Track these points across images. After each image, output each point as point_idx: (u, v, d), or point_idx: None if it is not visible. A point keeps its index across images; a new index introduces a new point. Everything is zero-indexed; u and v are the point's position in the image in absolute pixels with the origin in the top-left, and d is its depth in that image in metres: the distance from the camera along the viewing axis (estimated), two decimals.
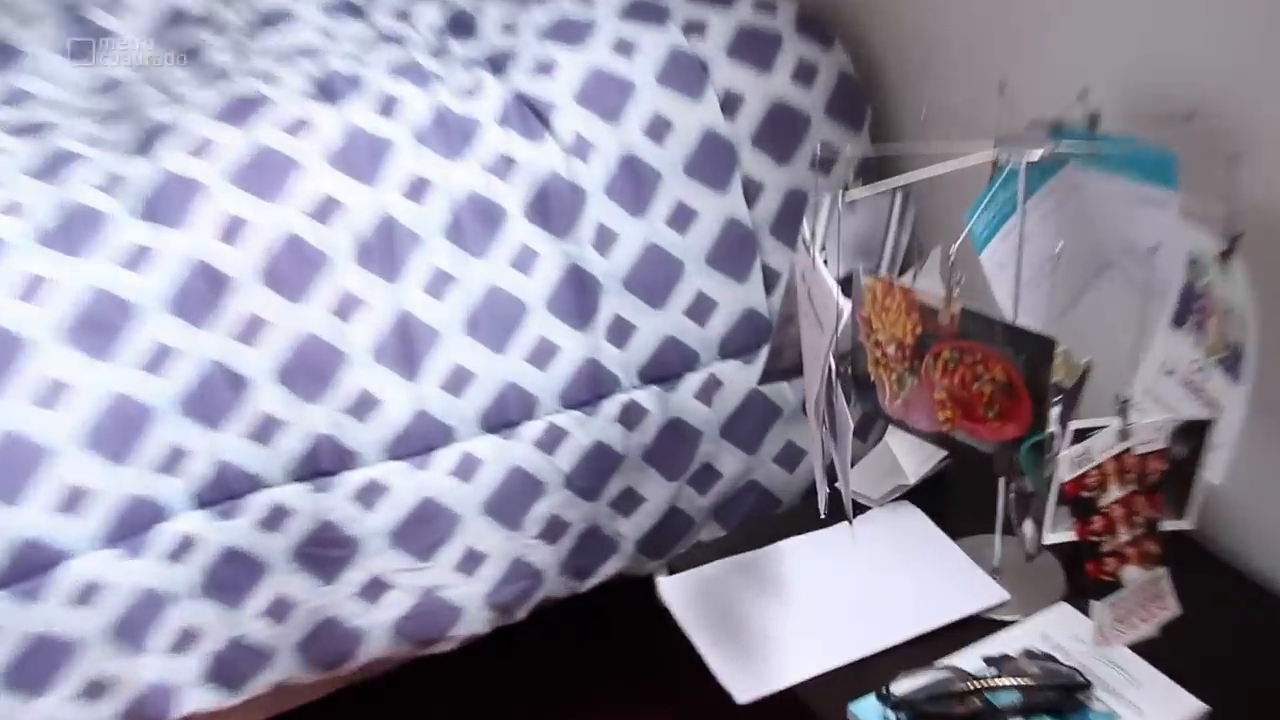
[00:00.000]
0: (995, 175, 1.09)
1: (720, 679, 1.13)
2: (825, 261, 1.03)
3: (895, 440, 1.31)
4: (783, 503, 1.45)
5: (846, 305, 0.97)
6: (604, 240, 1.34)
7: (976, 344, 1.01)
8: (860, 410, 1.07)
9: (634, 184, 1.35)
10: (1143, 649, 1.08)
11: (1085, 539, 1.03)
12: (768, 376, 1.23)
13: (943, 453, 1.31)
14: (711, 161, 1.37)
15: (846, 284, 1.05)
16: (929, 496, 1.32)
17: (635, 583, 1.41)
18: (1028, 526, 1.12)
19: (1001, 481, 1.19)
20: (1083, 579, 1.08)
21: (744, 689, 1.12)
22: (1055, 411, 1.02)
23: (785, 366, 1.21)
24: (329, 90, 1.31)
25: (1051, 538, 1.05)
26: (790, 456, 1.46)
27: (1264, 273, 1.04)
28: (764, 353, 1.38)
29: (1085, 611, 1.10)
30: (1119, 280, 1.20)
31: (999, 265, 1.13)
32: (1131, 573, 1.05)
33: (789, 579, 1.24)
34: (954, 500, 1.33)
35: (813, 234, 1.05)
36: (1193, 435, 1.07)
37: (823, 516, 1.11)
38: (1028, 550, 1.13)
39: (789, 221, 1.41)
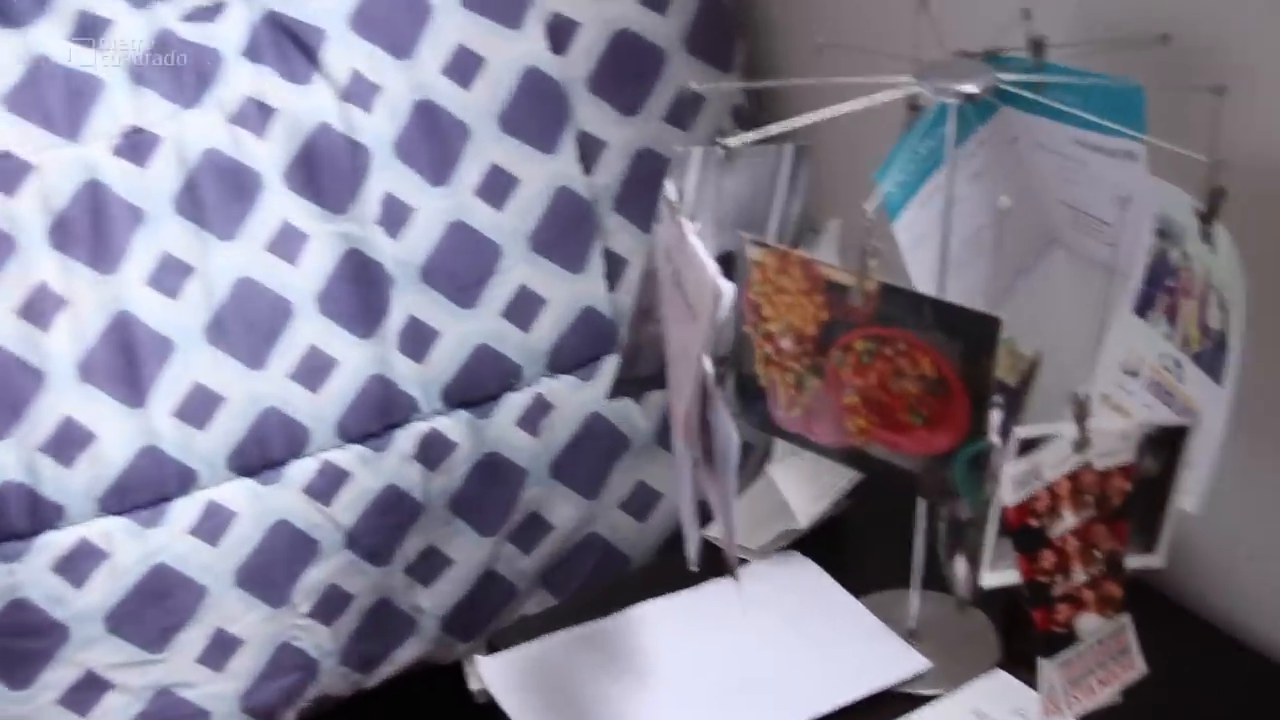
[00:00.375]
0: (913, 120, 1.10)
1: None
2: (698, 233, 1.03)
3: (781, 474, 1.32)
4: (632, 561, 1.47)
5: (728, 288, 0.97)
6: (393, 217, 1.33)
7: (899, 330, 1.01)
8: (746, 424, 1.07)
9: (432, 141, 1.34)
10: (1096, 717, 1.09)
11: (1032, 580, 1.03)
12: (620, 388, 1.22)
13: (839, 488, 1.34)
14: (535, 111, 1.38)
15: (727, 262, 1.04)
16: (823, 546, 1.34)
17: (438, 674, 1.42)
18: (960, 566, 1.14)
19: (922, 514, 1.21)
20: (1022, 638, 1.09)
21: None
22: (995, 417, 1.03)
23: (642, 375, 1.21)
24: (4, 10, 1.28)
25: (991, 579, 1.06)
26: (642, 501, 1.47)
27: (1255, 240, 1.05)
28: (605, 365, 1.42)
29: (1026, 679, 1.13)
30: (1070, 258, 1.23)
31: (918, 239, 1.14)
32: (1089, 622, 1.06)
33: (648, 653, 1.25)
34: (855, 550, 1.36)
35: (680, 196, 1.05)
36: (1165, 447, 1.09)
37: (692, 569, 1.12)
38: (960, 594, 1.14)
39: (638, 191, 1.42)
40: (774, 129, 1.06)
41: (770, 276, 1.05)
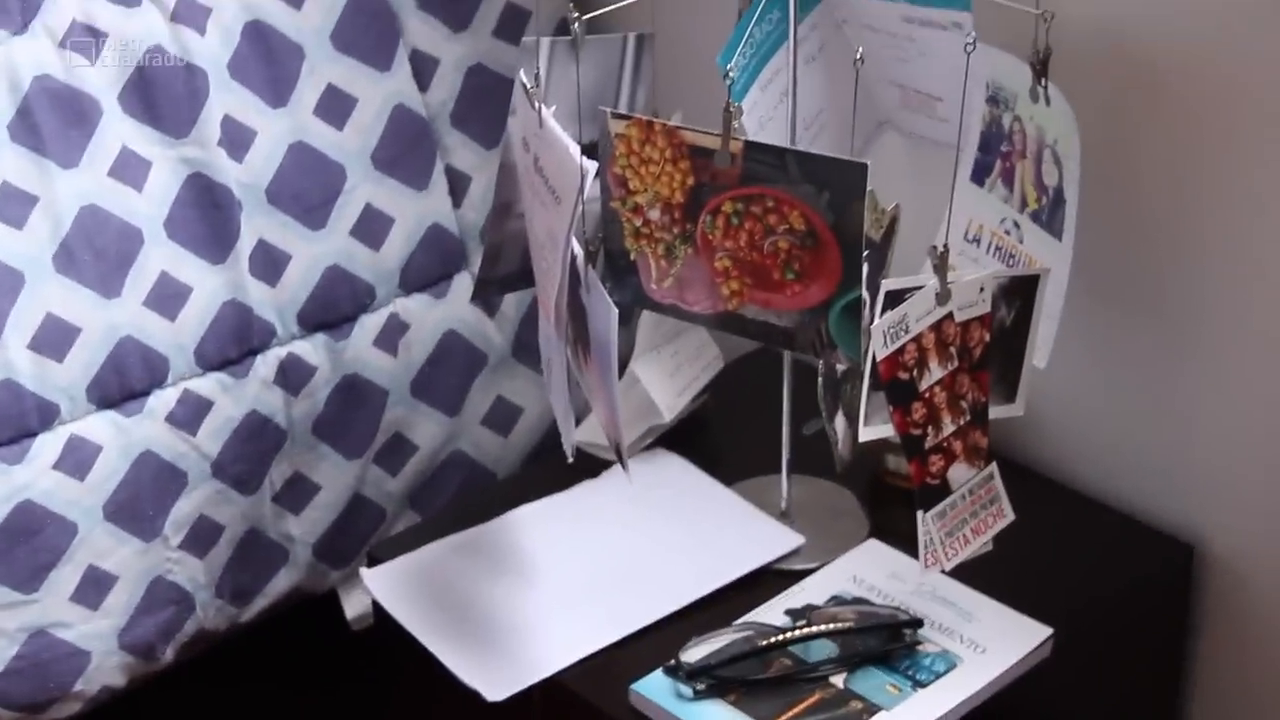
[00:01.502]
0: (748, 6, 1.13)
1: (463, 679, 1.15)
2: (554, 115, 1.05)
3: (644, 371, 1.34)
4: (497, 477, 1.49)
5: (590, 165, 1.00)
6: (235, 140, 1.33)
7: (766, 188, 1.03)
8: (620, 300, 1.08)
9: (268, 62, 1.35)
10: (969, 575, 1.15)
11: (906, 432, 1.07)
12: (482, 288, 1.25)
13: (702, 382, 1.38)
14: (367, 30, 1.38)
15: (589, 150, 1.04)
16: (689, 441, 1.37)
17: (313, 607, 1.43)
18: (840, 424, 1.17)
19: (786, 390, 1.25)
20: (888, 509, 1.13)
21: (495, 685, 1.14)
22: (864, 271, 1.04)
23: (505, 274, 1.23)
24: None
25: (868, 432, 1.09)
26: (503, 416, 1.48)
27: (1081, 96, 1.09)
28: (457, 282, 1.44)
29: (900, 544, 1.18)
30: (902, 139, 1.26)
31: (762, 122, 1.16)
32: (960, 472, 1.09)
33: (530, 553, 1.27)
34: (721, 442, 1.39)
35: (535, 81, 1.07)
36: (1017, 298, 1.13)
37: (569, 460, 1.14)
38: (841, 453, 1.19)
39: (474, 107, 1.44)
40: (615, 6, 1.09)
41: (634, 148, 1.06)
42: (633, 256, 1.10)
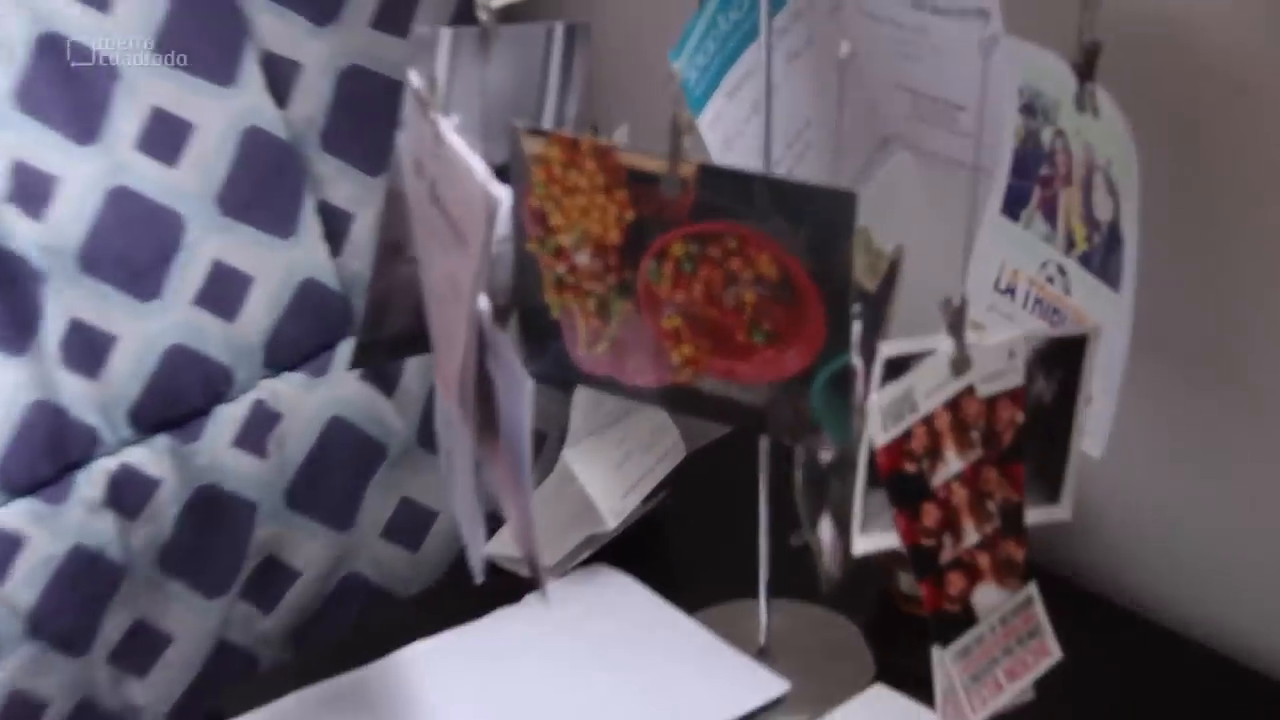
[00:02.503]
0: None
1: None
2: (459, 129, 1.02)
3: (580, 462, 1.32)
4: None
5: (504, 194, 0.96)
6: (29, 191, 1.29)
7: (727, 224, 0.99)
8: (539, 372, 1.06)
9: (69, 84, 1.30)
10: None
11: (915, 543, 1.03)
12: (364, 354, 1.18)
13: (655, 475, 1.35)
14: (202, 32, 1.35)
15: (502, 174, 1.02)
16: (639, 553, 1.35)
17: None
18: (825, 531, 1.12)
19: (766, 494, 1.21)
20: (901, 644, 1.11)
21: None
22: (854, 331, 1.02)
23: (393, 335, 1.17)
24: None
25: (864, 543, 1.06)
26: (410, 524, 1.47)
27: (1152, 102, 1.06)
28: (341, 353, 1.41)
29: (916, 689, 1.15)
30: (916, 158, 1.25)
31: (728, 139, 1.15)
32: (988, 596, 1.07)
33: (426, 705, 1.24)
34: (681, 558, 1.38)
35: (431, 87, 1.04)
36: (1060, 366, 1.10)
37: (478, 580, 1.11)
38: (828, 571, 1.14)
39: (352, 124, 1.41)
40: None
41: (557, 174, 1.04)
42: (554, 314, 1.08)
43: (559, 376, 1.11)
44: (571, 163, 1.03)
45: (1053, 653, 1.09)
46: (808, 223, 0.98)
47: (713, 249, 1.01)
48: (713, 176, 1.00)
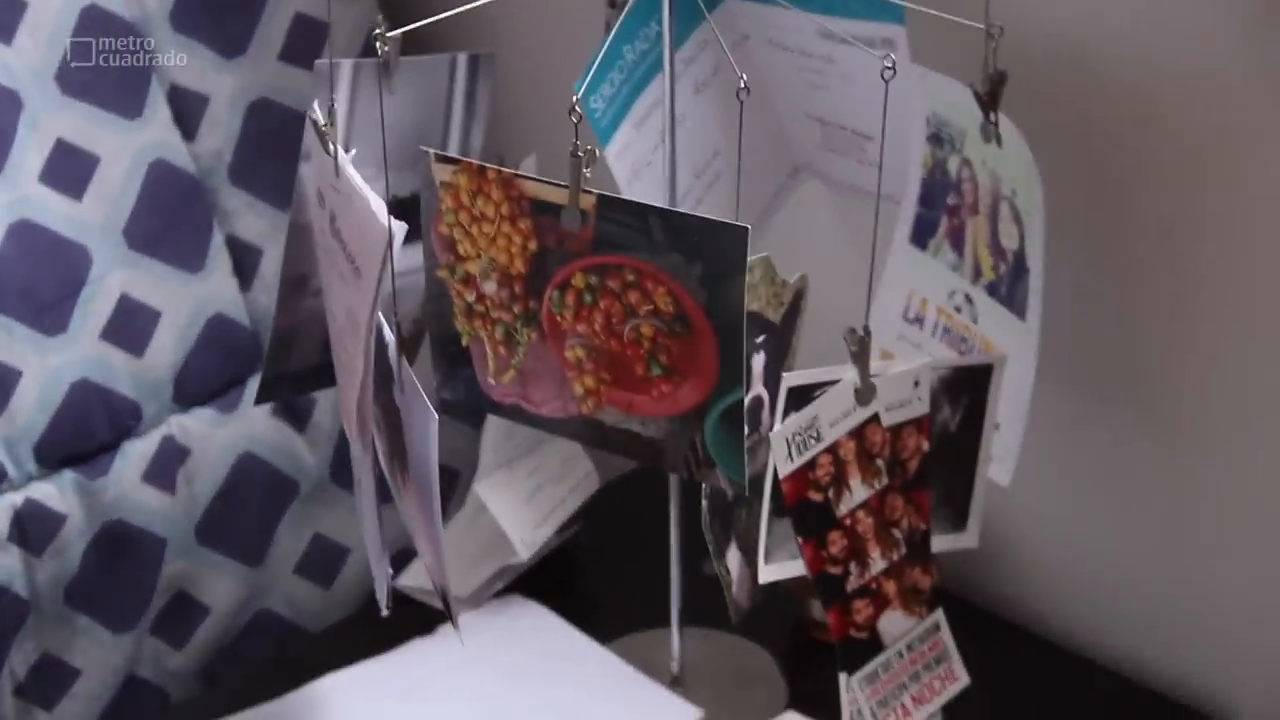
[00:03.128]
0: (615, 14, 1.11)
1: None
2: (355, 161, 1.02)
3: (492, 494, 1.31)
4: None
5: (399, 227, 0.97)
6: None
7: (625, 257, 0.99)
8: (453, 396, 1.06)
9: None
10: None
11: (820, 571, 1.04)
12: (270, 389, 1.18)
13: (567, 507, 1.34)
14: (107, 69, 1.33)
15: (402, 210, 1.01)
16: (551, 584, 1.35)
17: None
18: (734, 560, 1.12)
19: (677, 522, 1.21)
20: (813, 668, 1.10)
21: None
22: (758, 362, 1.02)
23: (299, 369, 1.18)
24: None
25: (769, 572, 1.07)
26: (322, 560, 1.45)
27: (1041, 129, 1.06)
28: (251, 388, 1.38)
29: (828, 715, 1.13)
30: (825, 186, 1.25)
31: (636, 169, 1.14)
32: (894, 623, 1.07)
33: None
34: (594, 588, 1.37)
35: (330, 119, 1.02)
36: (965, 393, 1.11)
37: (384, 612, 1.11)
38: (736, 599, 1.13)
39: (260, 157, 1.40)
40: (445, 15, 1.05)
41: (465, 202, 1.02)
42: (465, 341, 1.07)
43: (471, 404, 1.10)
44: (479, 191, 1.02)
45: (960, 678, 1.11)
46: (700, 257, 0.98)
47: (612, 281, 1.01)
48: (612, 209, 0.99)
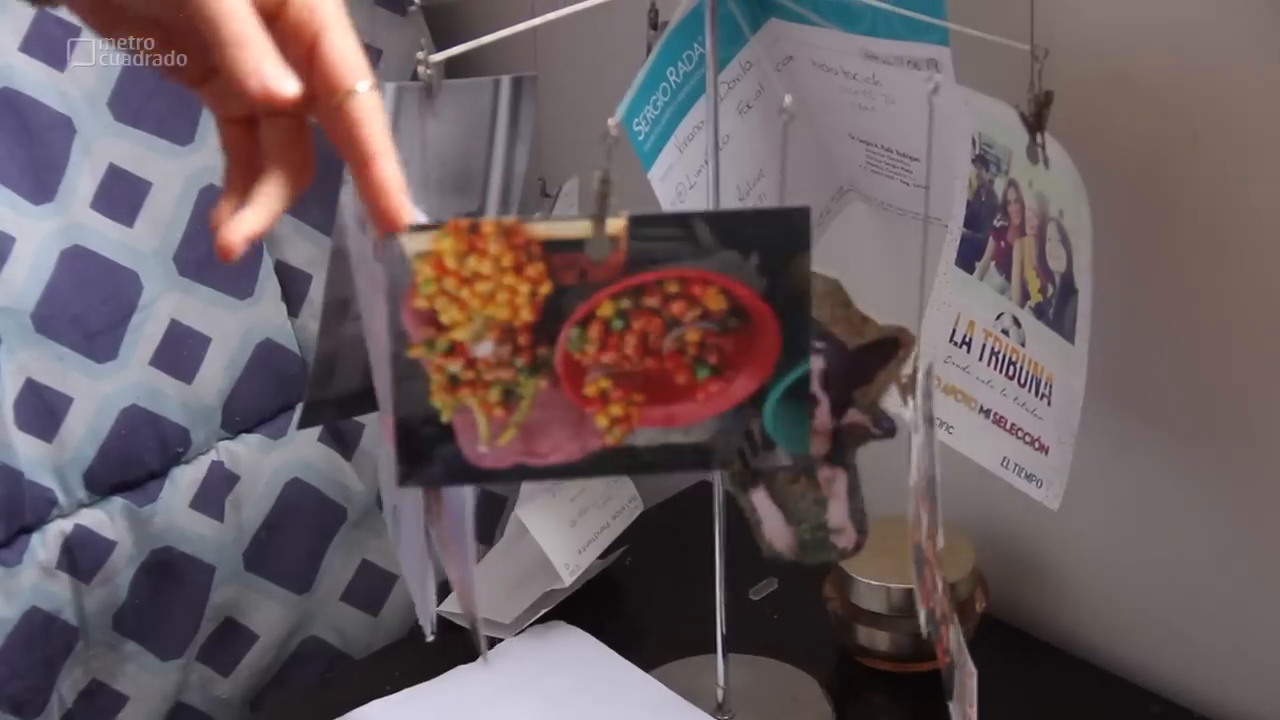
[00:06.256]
0: (658, 36, 1.10)
1: None
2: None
3: (534, 518, 1.30)
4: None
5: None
6: None
7: (667, 271, 0.98)
8: (427, 480, 1.02)
9: (24, 140, 1.30)
10: None
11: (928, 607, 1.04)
12: (313, 413, 1.16)
13: (610, 531, 1.34)
14: (158, 90, 1.34)
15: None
16: (595, 609, 1.35)
17: None
18: (760, 500, 1.11)
19: (719, 539, 1.20)
20: (860, 695, 1.12)
21: None
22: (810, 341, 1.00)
23: (342, 394, 1.15)
24: None
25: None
26: (370, 587, 1.46)
27: (1089, 149, 1.06)
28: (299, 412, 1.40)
29: None
30: (870, 209, 1.26)
31: (679, 192, 1.15)
32: (953, 640, 1.06)
33: None
34: (638, 614, 1.37)
35: None
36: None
37: (429, 637, 1.09)
38: (765, 537, 1.11)
39: (311, 184, 1.37)
40: (487, 39, 1.05)
41: (451, 267, 0.99)
42: (445, 417, 1.03)
43: (448, 483, 1.06)
44: (471, 250, 0.97)
45: (970, 670, 1.08)
46: (759, 247, 0.95)
47: (649, 299, 0.98)
48: (646, 226, 0.97)
